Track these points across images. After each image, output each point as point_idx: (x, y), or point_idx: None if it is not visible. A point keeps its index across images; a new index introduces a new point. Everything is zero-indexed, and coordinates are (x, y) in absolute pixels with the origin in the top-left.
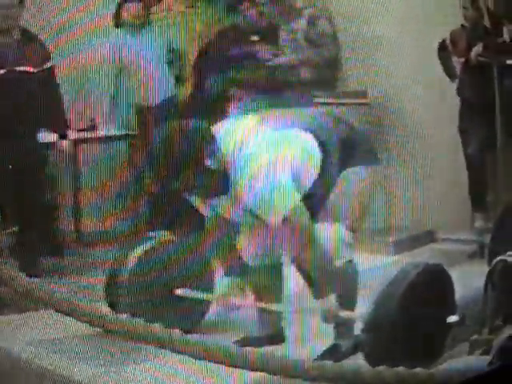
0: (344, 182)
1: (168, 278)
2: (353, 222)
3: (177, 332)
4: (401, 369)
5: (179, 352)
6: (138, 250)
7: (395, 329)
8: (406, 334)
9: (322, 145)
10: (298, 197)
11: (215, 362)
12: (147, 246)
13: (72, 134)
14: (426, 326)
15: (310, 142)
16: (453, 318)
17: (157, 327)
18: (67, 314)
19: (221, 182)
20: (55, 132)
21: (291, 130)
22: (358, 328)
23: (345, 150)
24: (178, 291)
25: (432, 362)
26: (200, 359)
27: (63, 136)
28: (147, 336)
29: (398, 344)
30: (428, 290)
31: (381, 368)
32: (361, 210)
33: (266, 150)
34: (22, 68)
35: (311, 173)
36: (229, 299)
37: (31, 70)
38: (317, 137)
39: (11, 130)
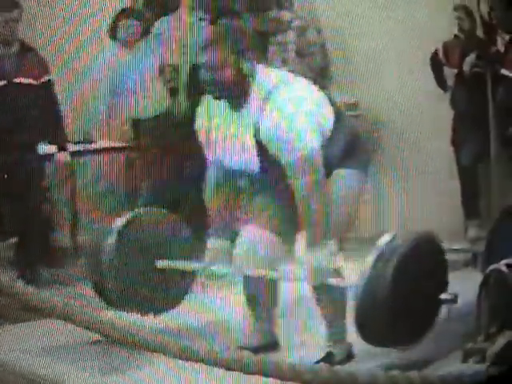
0: (333, 183)
1: (151, 251)
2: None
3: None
4: (395, 373)
5: (174, 356)
6: (119, 223)
7: (386, 301)
8: (398, 307)
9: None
10: (318, 138)
11: (212, 365)
12: (129, 216)
13: (70, 147)
14: (417, 300)
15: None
16: (446, 296)
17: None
18: (66, 319)
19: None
20: (54, 144)
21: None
22: (350, 328)
23: (346, 149)
24: (160, 263)
25: (421, 336)
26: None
27: (62, 148)
28: (142, 342)
29: (389, 316)
30: (420, 261)
31: (375, 372)
32: (346, 219)
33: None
34: (21, 80)
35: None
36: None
37: (30, 82)
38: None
39: (10, 141)
